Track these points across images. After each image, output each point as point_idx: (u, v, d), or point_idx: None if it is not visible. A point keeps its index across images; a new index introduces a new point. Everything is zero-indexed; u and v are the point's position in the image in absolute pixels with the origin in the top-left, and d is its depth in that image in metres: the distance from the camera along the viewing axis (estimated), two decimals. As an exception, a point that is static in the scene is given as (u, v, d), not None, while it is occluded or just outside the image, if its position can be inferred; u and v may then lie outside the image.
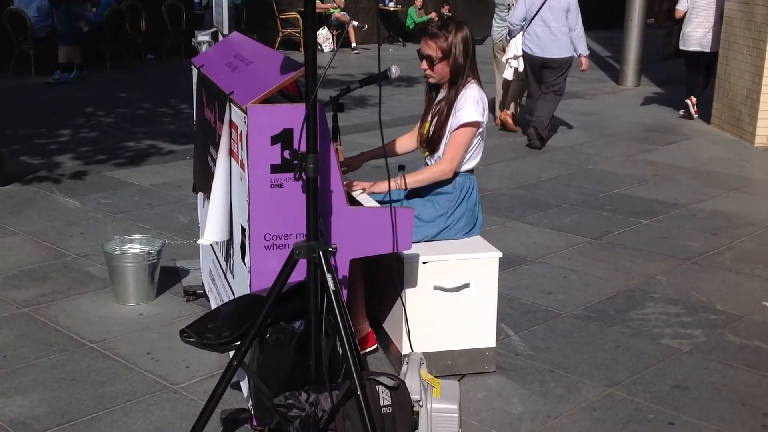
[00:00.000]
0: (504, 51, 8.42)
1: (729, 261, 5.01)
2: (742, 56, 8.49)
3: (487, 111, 3.58)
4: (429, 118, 3.69)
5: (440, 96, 3.66)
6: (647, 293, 4.48)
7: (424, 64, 3.60)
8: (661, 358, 3.75)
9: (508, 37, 8.18)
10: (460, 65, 3.54)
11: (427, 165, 3.70)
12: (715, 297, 4.44)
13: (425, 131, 3.70)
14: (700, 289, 4.56)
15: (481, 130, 3.58)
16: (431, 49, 3.55)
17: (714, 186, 6.74)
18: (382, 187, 3.53)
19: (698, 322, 4.14)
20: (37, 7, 11.71)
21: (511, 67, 8.17)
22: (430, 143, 3.66)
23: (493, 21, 8.92)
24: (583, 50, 7.97)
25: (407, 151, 3.89)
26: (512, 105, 8.85)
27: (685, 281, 4.67)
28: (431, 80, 3.64)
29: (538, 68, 7.97)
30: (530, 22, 7.76)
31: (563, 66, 7.92)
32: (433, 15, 17.04)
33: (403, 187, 3.56)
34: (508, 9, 8.38)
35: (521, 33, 7.90)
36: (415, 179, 3.57)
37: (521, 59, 8.03)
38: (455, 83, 3.57)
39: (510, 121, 8.70)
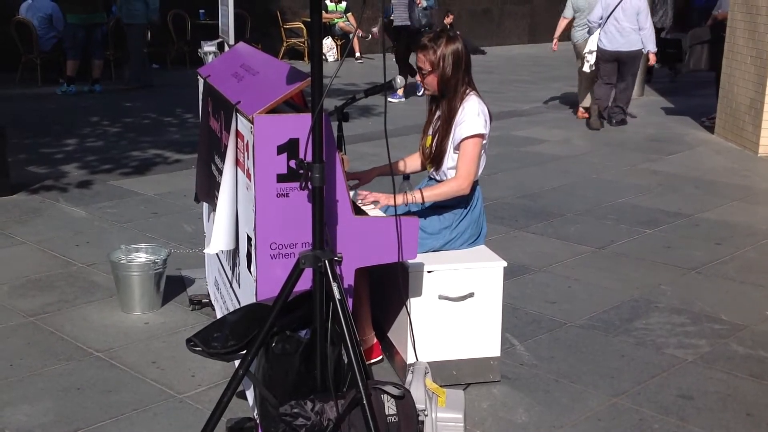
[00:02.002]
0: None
1: (733, 271, 5.01)
2: (745, 66, 8.51)
3: (488, 122, 3.59)
4: (430, 133, 3.70)
5: (439, 110, 3.68)
6: (651, 303, 4.49)
7: (419, 76, 3.64)
8: (666, 367, 3.75)
9: (587, 35, 9.52)
10: (447, 77, 3.54)
11: (433, 179, 3.71)
12: (720, 307, 4.44)
13: (428, 146, 3.71)
14: (705, 298, 4.56)
15: (485, 141, 3.59)
16: (421, 61, 3.59)
17: (718, 195, 6.74)
18: (397, 200, 3.52)
19: (703, 331, 4.14)
20: (38, 19, 11.75)
21: (588, 61, 9.48)
22: (434, 158, 3.66)
23: (575, 25, 10.10)
24: (652, 47, 9.30)
25: (414, 171, 3.91)
26: (587, 98, 10.05)
27: (690, 291, 4.67)
28: (426, 92, 3.68)
29: (610, 60, 9.28)
30: (606, 20, 9.11)
31: (633, 59, 9.33)
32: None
33: (420, 201, 3.56)
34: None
35: (598, 30, 9.23)
36: (432, 193, 3.56)
37: (595, 53, 9.36)
38: (445, 96, 3.58)
39: (587, 114, 9.95)
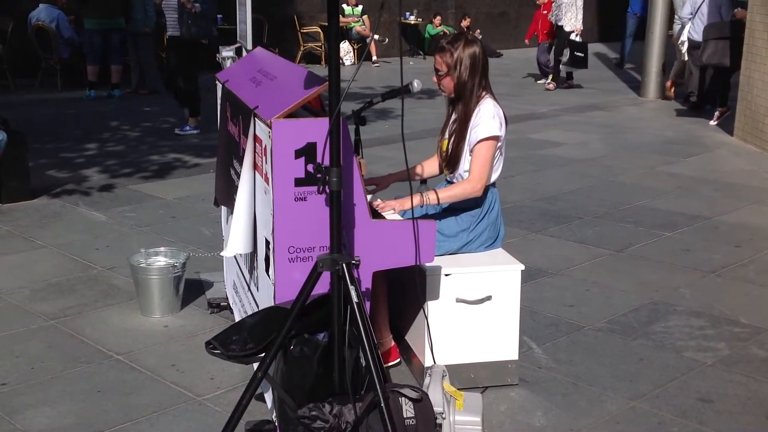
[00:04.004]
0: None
1: (753, 273, 4.98)
2: (764, 68, 8.44)
3: (504, 125, 3.58)
4: (447, 136, 3.71)
5: (455, 113, 3.68)
6: (670, 306, 4.47)
7: (435, 78, 3.64)
8: (685, 371, 3.73)
9: (679, 28, 11.09)
10: (464, 81, 3.54)
11: (449, 182, 3.72)
12: (739, 310, 4.42)
13: (444, 149, 3.72)
14: (724, 301, 4.53)
15: (500, 144, 3.59)
16: (438, 63, 3.60)
17: (737, 198, 6.70)
18: (413, 201, 3.53)
19: (722, 334, 4.12)
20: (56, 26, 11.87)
21: (681, 50, 11.01)
22: (450, 161, 3.67)
23: (674, 20, 11.48)
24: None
25: (432, 176, 3.91)
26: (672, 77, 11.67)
27: (709, 294, 4.65)
28: (443, 94, 3.68)
29: (697, 48, 10.22)
30: (694, 15, 10.38)
31: None
32: (444, 30, 17.01)
33: (436, 202, 3.56)
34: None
35: (689, 24, 10.59)
36: (447, 194, 3.56)
37: (687, 43, 10.73)
38: (461, 98, 3.58)
39: (671, 90, 11.76)
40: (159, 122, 9.90)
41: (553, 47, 13.01)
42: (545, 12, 13.34)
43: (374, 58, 16.13)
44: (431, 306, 3.40)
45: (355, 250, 2.98)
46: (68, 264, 5.05)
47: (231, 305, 4.17)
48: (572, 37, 12.54)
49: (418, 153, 3.98)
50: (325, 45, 15.50)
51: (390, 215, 3.43)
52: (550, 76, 13.13)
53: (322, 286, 2.73)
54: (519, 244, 5.39)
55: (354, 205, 2.95)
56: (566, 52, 12.63)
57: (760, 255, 5.31)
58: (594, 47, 19.17)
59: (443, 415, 2.93)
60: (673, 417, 3.33)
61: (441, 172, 3.85)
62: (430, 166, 3.89)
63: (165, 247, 4.52)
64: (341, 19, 15.48)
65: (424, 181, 3.87)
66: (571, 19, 12.55)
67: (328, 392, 2.79)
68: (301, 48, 15.89)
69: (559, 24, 12.66)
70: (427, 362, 3.41)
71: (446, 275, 3.39)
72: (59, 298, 4.51)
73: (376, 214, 3.31)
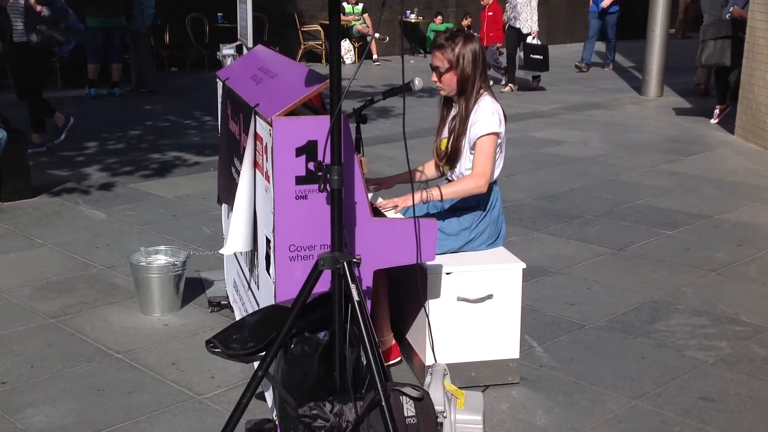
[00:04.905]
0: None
1: (754, 272, 4.97)
2: (766, 66, 8.43)
3: (503, 121, 3.57)
4: (446, 135, 3.69)
5: (453, 111, 3.67)
6: (672, 305, 4.46)
7: (434, 76, 3.62)
8: (687, 369, 3.72)
9: None
10: (467, 75, 3.54)
11: (449, 181, 3.70)
12: (741, 308, 4.41)
13: (443, 147, 3.70)
14: (726, 300, 4.52)
15: (500, 140, 3.58)
16: (438, 59, 3.57)
17: (738, 197, 6.69)
18: (414, 198, 3.51)
19: (723, 333, 4.11)
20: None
21: None
22: (450, 159, 3.65)
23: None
24: None
25: (432, 178, 3.89)
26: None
27: (710, 293, 4.64)
28: (442, 92, 3.65)
29: None
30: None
31: None
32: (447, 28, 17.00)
33: (439, 198, 3.54)
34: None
35: None
36: (450, 190, 3.54)
37: None
38: (464, 94, 3.57)
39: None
40: (159, 120, 9.90)
41: (505, 50, 12.48)
42: (491, 13, 12.73)
43: (375, 56, 16.12)
44: (432, 304, 3.40)
45: (356, 248, 2.97)
46: (68, 262, 5.04)
47: (231, 304, 4.16)
48: (529, 39, 12.10)
49: (419, 152, 3.96)
50: (326, 43, 15.51)
51: (391, 214, 3.42)
52: (504, 79, 12.77)
53: (323, 285, 2.72)
54: (520, 242, 5.39)
55: (355, 203, 2.94)
56: (520, 56, 12.13)
57: (761, 253, 5.30)
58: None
59: (444, 414, 2.92)
60: (674, 416, 3.32)
61: (439, 174, 3.82)
62: (428, 169, 3.87)
63: (165, 246, 4.51)
64: (342, 17, 15.44)
65: (426, 182, 3.86)
66: (527, 21, 12.11)
67: (329, 391, 2.79)
68: (302, 46, 15.88)
69: (515, 26, 12.22)
70: (428, 361, 3.40)
71: (447, 274, 3.39)
72: (59, 296, 4.50)
73: (377, 212, 3.30)
